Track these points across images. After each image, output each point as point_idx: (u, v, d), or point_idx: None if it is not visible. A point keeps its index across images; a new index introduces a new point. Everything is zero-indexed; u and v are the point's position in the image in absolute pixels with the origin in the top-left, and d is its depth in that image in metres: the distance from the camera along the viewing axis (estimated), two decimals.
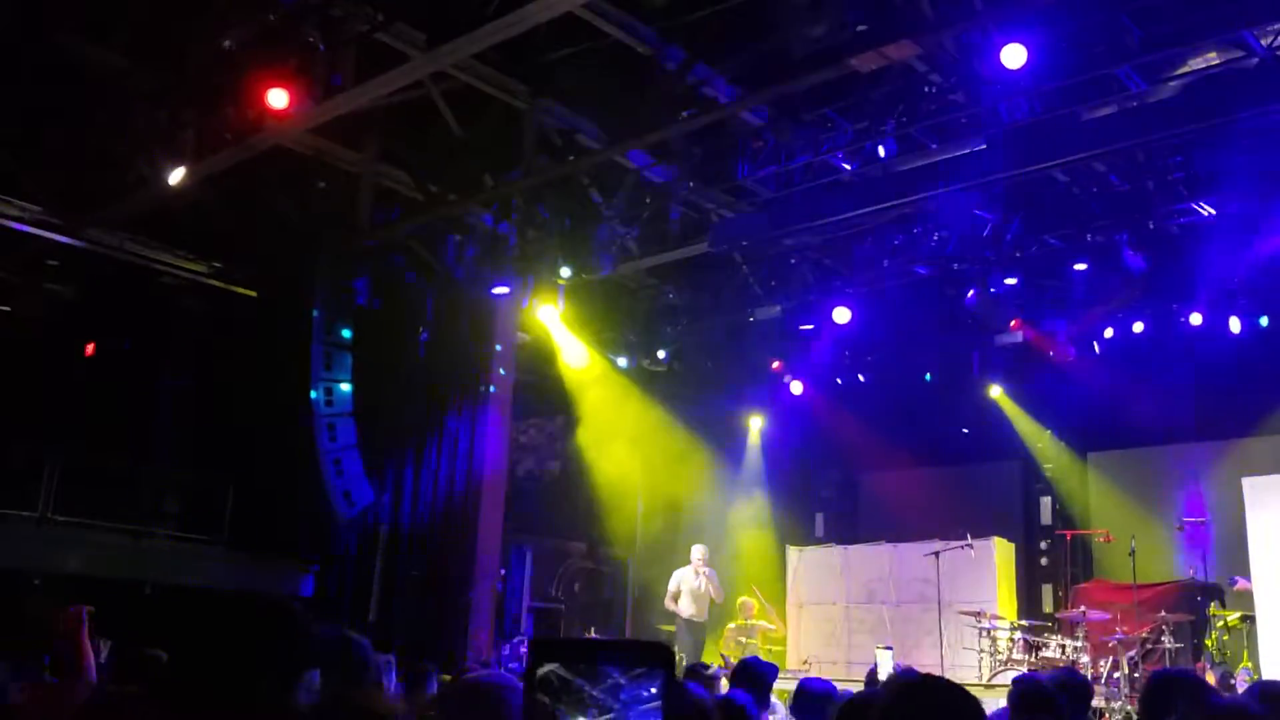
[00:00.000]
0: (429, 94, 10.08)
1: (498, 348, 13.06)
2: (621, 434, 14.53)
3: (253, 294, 13.58)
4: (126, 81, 9.85)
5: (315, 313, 12.05)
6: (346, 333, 12.28)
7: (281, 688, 2.34)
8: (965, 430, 14.95)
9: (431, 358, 13.19)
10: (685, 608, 13.20)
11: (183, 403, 14.05)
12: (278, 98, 8.91)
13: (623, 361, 14.57)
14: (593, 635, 13.98)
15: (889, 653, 11.05)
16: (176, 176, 10.02)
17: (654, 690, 1.26)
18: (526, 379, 13.83)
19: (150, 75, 9.68)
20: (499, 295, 12.43)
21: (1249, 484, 11.45)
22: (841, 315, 12.46)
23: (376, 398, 12.59)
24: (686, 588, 13.27)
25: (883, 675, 7.86)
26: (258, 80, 8.89)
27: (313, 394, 11.89)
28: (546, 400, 14.99)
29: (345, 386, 12.20)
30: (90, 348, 13.90)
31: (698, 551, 13.43)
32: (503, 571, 13.20)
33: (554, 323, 13.38)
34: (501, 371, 13.17)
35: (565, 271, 12.17)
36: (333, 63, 8.98)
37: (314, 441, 11.82)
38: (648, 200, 11.73)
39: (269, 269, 13.16)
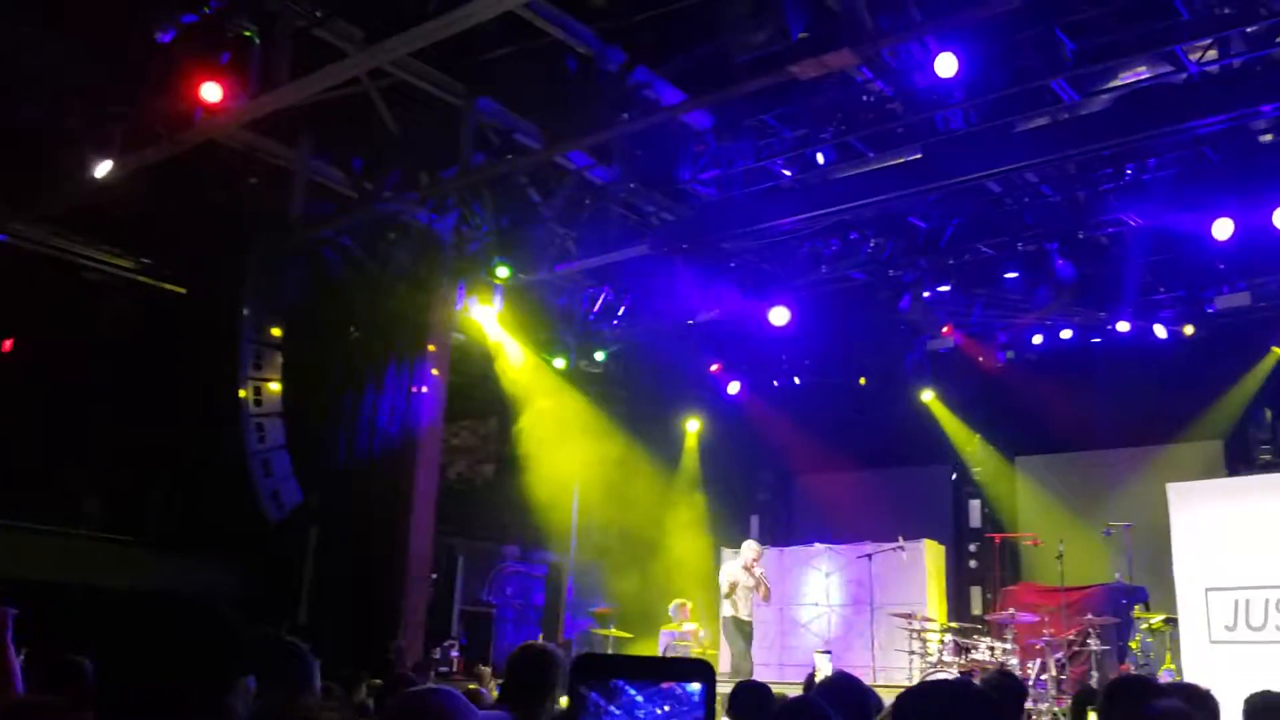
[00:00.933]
0: (366, 90, 9.96)
1: (431, 348, 12.95)
2: (557, 436, 14.47)
3: (182, 290, 13.32)
4: (56, 72, 9.60)
5: (245, 310, 11.83)
6: (277, 331, 12.08)
7: (215, 696, 2.27)
8: (897, 434, 15.11)
9: (363, 357, 13.02)
10: (735, 606, 12.25)
11: (107, 400, 13.72)
12: (211, 92, 8.75)
13: (560, 363, 14.52)
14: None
15: (828, 656, 11.10)
16: (104, 170, 9.80)
17: (667, 709, 1.24)
18: (461, 380, 13.72)
19: (81, 66, 9.44)
20: (434, 294, 12.32)
21: (1173, 489, 11.71)
22: (779, 316, 12.49)
23: (306, 397, 12.40)
24: (741, 585, 12.31)
25: (820, 679, 7.90)
26: (191, 74, 8.72)
27: (241, 393, 11.68)
28: (481, 401, 14.88)
29: (275, 386, 11.99)
30: (8, 344, 13.52)
31: (753, 549, 12.52)
32: (434, 575, 13.05)
33: (490, 323, 13.31)
34: (435, 372, 13.05)
35: (502, 271, 12.11)
36: (268, 58, 8.84)
37: (242, 442, 11.61)
38: (587, 201, 11.69)
39: (199, 265, 12.91)
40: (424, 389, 13.01)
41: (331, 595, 12.37)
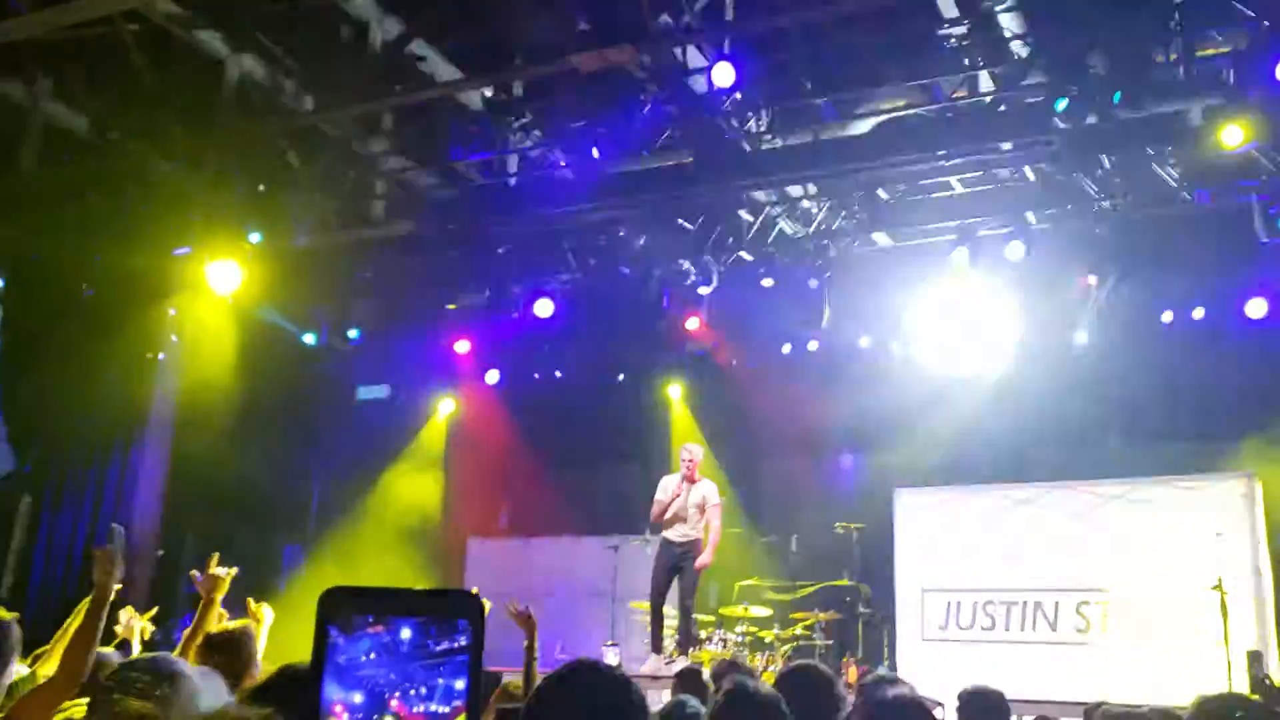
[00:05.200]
0: (119, 33, 9.26)
1: (172, 311, 12.26)
2: (299, 415, 13.91)
3: None
4: None
5: None
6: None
7: None
8: (650, 430, 15.39)
9: (97, 317, 12.14)
10: (670, 526, 11.05)
11: None
12: None
13: (310, 338, 13.97)
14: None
15: (615, 649, 11.17)
16: None
17: (431, 649, 1.14)
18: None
19: None
20: (178, 255, 11.60)
21: (901, 494, 12.44)
22: (544, 308, 12.46)
23: (29, 356, 11.46)
24: (672, 500, 11.02)
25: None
26: None
27: None
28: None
29: None
30: None
31: (687, 452, 11.27)
32: (160, 552, 12.31)
33: (236, 289, 12.63)
34: (174, 339, 12.38)
35: (254, 237, 11.52)
36: None
37: None
38: (351, 172, 11.29)
39: None
40: (161, 355, 12.29)
41: (41, 568, 11.52)
